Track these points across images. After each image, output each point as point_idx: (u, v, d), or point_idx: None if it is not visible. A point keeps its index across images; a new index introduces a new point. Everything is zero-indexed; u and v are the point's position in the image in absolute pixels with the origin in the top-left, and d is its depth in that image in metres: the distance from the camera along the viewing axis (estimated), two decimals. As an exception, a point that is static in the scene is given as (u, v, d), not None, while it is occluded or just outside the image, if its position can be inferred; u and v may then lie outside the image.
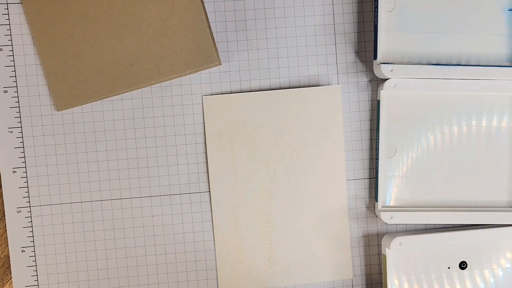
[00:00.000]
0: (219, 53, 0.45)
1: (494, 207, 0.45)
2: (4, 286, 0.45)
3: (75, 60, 0.43)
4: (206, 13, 0.43)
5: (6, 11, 0.44)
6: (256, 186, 0.45)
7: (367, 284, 0.46)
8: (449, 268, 0.44)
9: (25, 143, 0.45)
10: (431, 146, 0.45)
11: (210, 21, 0.44)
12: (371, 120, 0.46)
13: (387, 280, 0.44)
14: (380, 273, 0.46)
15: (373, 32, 0.45)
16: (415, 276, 0.44)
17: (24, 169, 0.45)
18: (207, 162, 0.45)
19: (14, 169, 0.45)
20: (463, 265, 0.44)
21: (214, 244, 0.45)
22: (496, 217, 0.44)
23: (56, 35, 0.43)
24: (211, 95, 0.45)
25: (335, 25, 0.45)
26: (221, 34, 0.45)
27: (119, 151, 0.45)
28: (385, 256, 0.44)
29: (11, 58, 0.45)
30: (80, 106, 0.45)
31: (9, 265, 0.45)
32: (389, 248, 0.43)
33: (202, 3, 0.43)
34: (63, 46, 0.43)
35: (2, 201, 0.45)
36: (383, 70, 0.42)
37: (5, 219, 0.45)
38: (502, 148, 0.45)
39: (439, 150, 0.45)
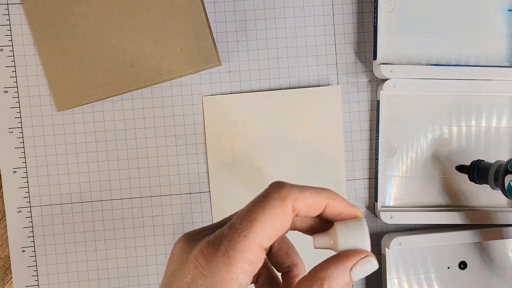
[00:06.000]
0: (219, 53, 0.45)
1: (494, 207, 0.45)
2: (4, 286, 0.45)
3: (75, 60, 0.43)
4: (206, 13, 0.43)
5: (6, 12, 0.44)
6: (256, 186, 0.45)
7: (367, 284, 0.46)
8: (448, 268, 0.44)
9: (26, 143, 0.45)
10: (431, 146, 0.45)
11: (210, 21, 0.44)
12: (371, 120, 0.46)
13: (387, 280, 0.44)
14: (380, 273, 0.46)
15: (372, 32, 0.45)
16: (414, 276, 0.44)
17: (24, 169, 0.45)
18: (207, 162, 0.45)
19: (15, 169, 0.45)
20: (462, 265, 0.45)
21: (214, 244, 0.45)
22: (496, 217, 0.44)
23: (56, 35, 0.43)
24: (211, 95, 0.45)
25: (335, 25, 0.46)
26: (221, 35, 0.45)
27: (120, 151, 0.45)
28: (384, 256, 0.44)
29: (12, 58, 0.45)
30: (81, 106, 0.45)
31: (10, 265, 0.45)
32: (388, 248, 0.43)
33: (202, 3, 0.43)
34: (63, 47, 0.43)
35: (3, 201, 0.45)
36: (382, 71, 0.43)
37: (5, 219, 0.45)
38: (501, 148, 0.45)
39: (438, 150, 0.45)
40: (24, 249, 0.45)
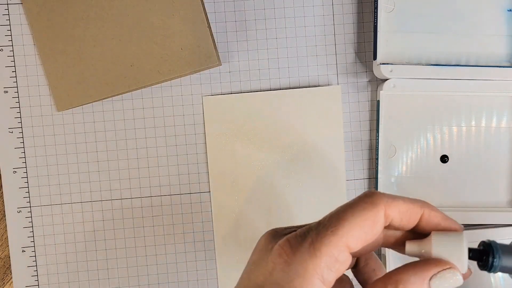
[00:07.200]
0: (219, 53, 0.45)
1: (494, 207, 0.45)
2: (4, 286, 0.45)
3: (75, 60, 0.43)
4: (206, 13, 0.43)
5: (6, 12, 0.44)
6: (256, 186, 0.45)
7: (367, 284, 0.46)
8: (449, 268, 0.44)
9: (26, 143, 0.45)
10: (431, 146, 0.45)
11: (210, 21, 0.44)
12: (371, 120, 0.46)
13: (387, 280, 0.44)
14: (380, 273, 0.46)
15: (372, 32, 0.45)
16: (415, 276, 0.44)
17: (24, 169, 0.45)
18: (207, 162, 0.45)
19: (15, 169, 0.45)
20: (463, 265, 0.44)
21: (214, 244, 0.46)
22: (496, 217, 0.44)
23: (56, 35, 0.43)
24: (211, 95, 0.45)
25: (335, 25, 0.46)
26: (221, 35, 0.45)
27: (120, 151, 0.45)
28: (384, 256, 0.44)
29: (12, 58, 0.45)
30: (81, 106, 0.45)
31: (10, 265, 0.45)
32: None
33: (202, 3, 0.43)
34: (63, 47, 0.43)
35: (3, 201, 0.45)
36: (382, 71, 0.43)
37: (5, 219, 0.45)
38: (501, 148, 0.45)
39: (438, 150, 0.45)
40: (24, 249, 0.45)
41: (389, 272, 0.24)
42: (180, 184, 0.46)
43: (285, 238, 0.24)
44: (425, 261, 0.23)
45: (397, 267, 0.24)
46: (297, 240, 0.24)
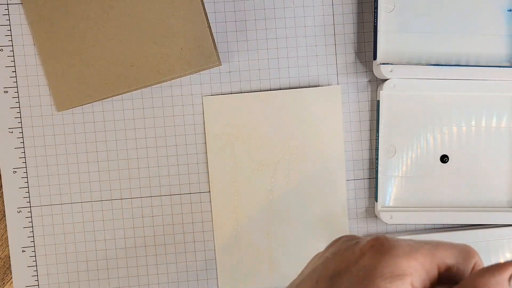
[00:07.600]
0: (219, 53, 0.45)
1: (494, 207, 0.45)
2: (4, 286, 0.45)
3: (75, 60, 0.43)
4: (206, 13, 0.43)
5: (6, 12, 0.44)
6: (256, 186, 0.45)
7: (367, 284, 0.46)
8: (449, 268, 0.44)
9: (26, 143, 0.45)
10: (431, 146, 0.45)
11: (210, 21, 0.44)
12: (371, 120, 0.46)
13: (387, 280, 0.44)
14: (380, 273, 0.46)
15: (372, 32, 0.45)
16: (415, 276, 0.44)
17: (24, 170, 0.45)
18: (207, 162, 0.45)
19: (15, 169, 0.45)
20: (463, 265, 0.44)
21: (214, 244, 0.46)
22: (496, 217, 0.44)
23: (56, 35, 0.43)
24: (211, 95, 0.45)
25: (335, 25, 0.46)
26: (221, 35, 0.45)
27: (120, 151, 0.45)
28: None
29: (12, 58, 0.45)
30: (81, 106, 0.45)
31: (10, 265, 0.45)
32: (389, 248, 0.43)
33: (202, 3, 0.43)
34: (63, 47, 0.43)
35: (3, 201, 0.45)
36: (382, 71, 0.43)
37: (5, 219, 0.45)
38: (501, 148, 0.45)
39: (438, 150, 0.45)
40: (24, 249, 0.45)
41: (464, 281, 0.23)
42: (180, 184, 0.46)
43: (381, 235, 0.25)
44: (500, 263, 0.23)
45: (470, 275, 0.24)
46: (395, 240, 0.24)
